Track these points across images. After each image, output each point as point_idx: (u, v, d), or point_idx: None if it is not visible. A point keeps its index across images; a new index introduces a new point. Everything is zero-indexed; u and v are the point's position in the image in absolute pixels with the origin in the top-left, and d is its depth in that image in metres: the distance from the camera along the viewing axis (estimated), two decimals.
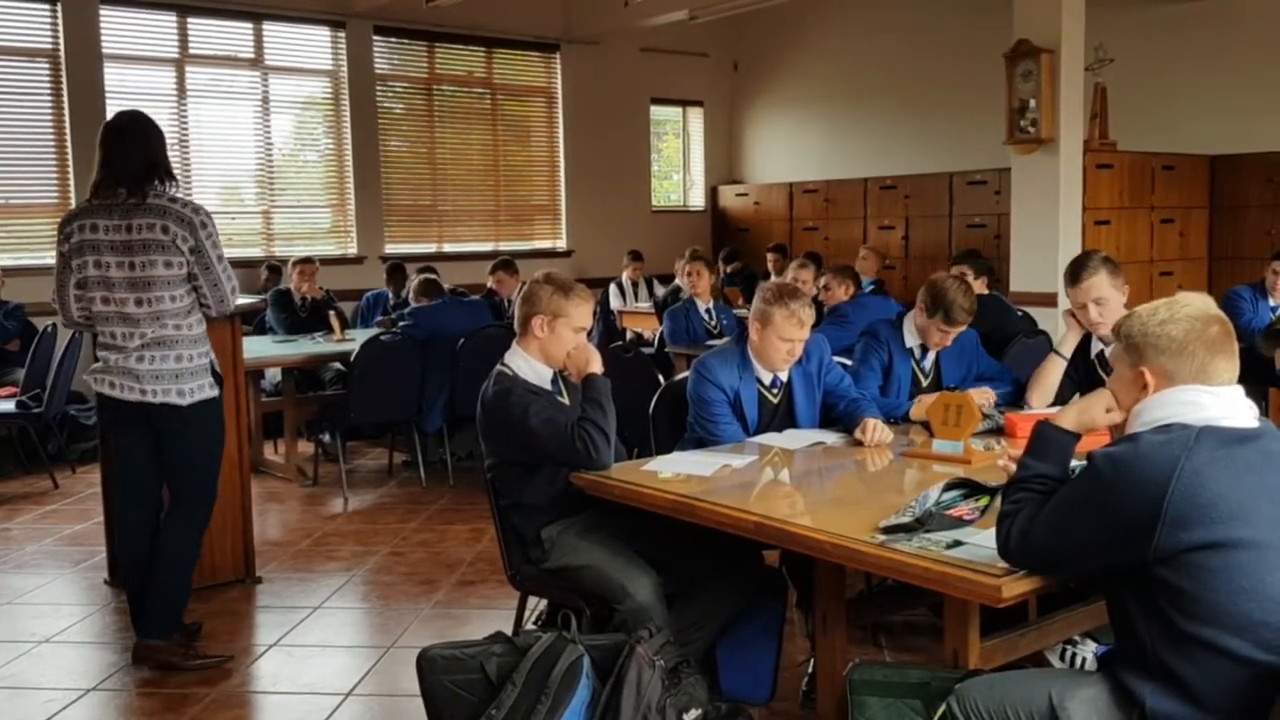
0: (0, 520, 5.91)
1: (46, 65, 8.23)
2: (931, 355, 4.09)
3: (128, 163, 3.67)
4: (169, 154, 3.81)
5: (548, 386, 3.30)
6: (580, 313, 3.28)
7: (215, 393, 3.85)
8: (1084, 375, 3.79)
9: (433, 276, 7.08)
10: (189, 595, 4.00)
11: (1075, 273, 3.71)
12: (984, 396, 3.75)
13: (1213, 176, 8.50)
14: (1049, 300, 7.08)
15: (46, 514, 5.94)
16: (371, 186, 9.97)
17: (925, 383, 4.07)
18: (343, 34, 9.71)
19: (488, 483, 3.37)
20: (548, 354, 3.28)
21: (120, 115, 3.83)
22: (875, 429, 3.49)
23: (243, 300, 5.20)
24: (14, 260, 7.89)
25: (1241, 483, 2.01)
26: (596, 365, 3.23)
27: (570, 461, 3.12)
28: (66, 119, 8.11)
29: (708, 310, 7.05)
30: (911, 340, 4.07)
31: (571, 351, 3.26)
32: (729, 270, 10.01)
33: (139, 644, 3.83)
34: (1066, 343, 3.78)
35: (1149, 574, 2.03)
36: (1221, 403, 2.12)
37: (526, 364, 3.29)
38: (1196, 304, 2.22)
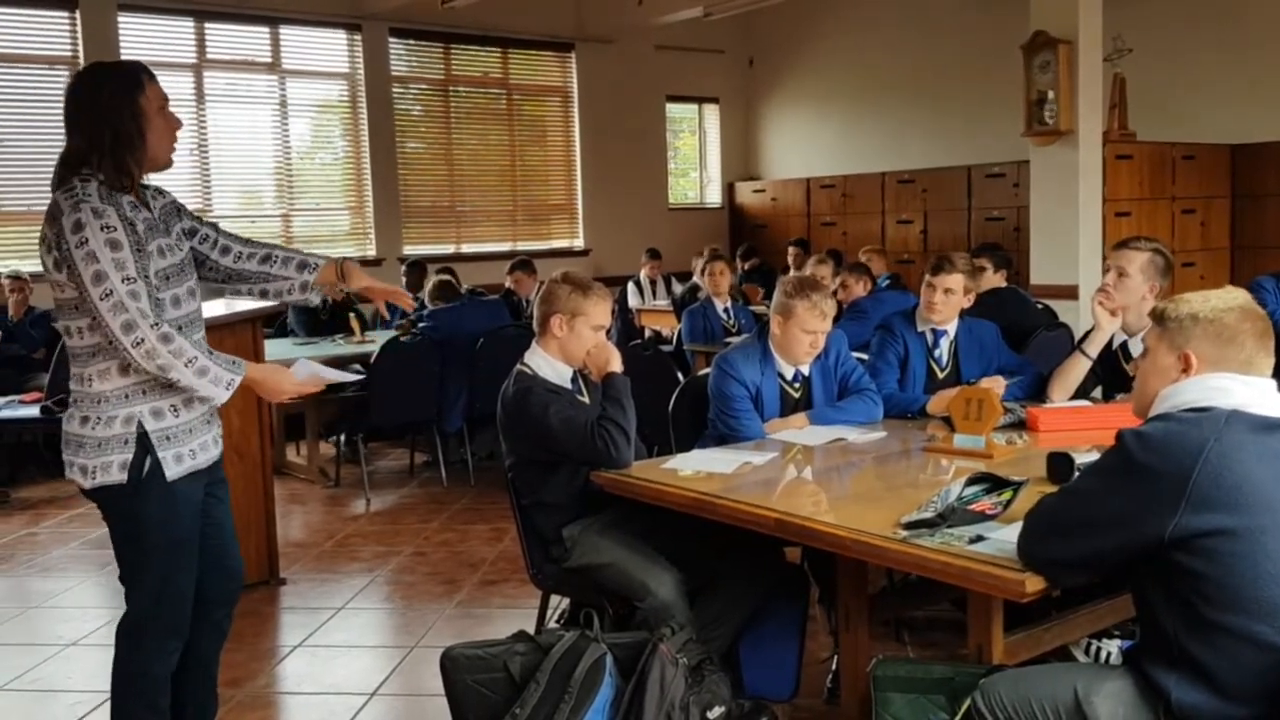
0: (26, 525, 5.97)
1: (66, 72, 8.29)
2: (945, 344, 4.07)
3: (68, 136, 2.64)
4: (134, 124, 2.60)
5: (568, 385, 3.30)
6: (598, 311, 3.28)
7: (121, 478, 2.62)
8: (1107, 367, 3.77)
9: (447, 278, 7.08)
10: None
11: (1127, 240, 3.75)
12: (995, 385, 3.73)
13: (1234, 165, 8.43)
14: (1069, 293, 7.04)
15: (72, 518, 5.99)
16: (389, 188, 10.00)
17: (942, 375, 4.05)
18: (359, 37, 9.74)
19: (508, 482, 3.38)
20: (567, 353, 3.29)
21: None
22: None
23: (263, 302, 5.22)
24: (39, 267, 7.94)
25: (1269, 469, 2.00)
26: (616, 364, 3.24)
27: (590, 460, 3.12)
28: None
29: (725, 309, 7.05)
30: (923, 324, 4.07)
31: (591, 350, 3.26)
32: (746, 267, 10.00)
33: None
34: (1094, 342, 3.73)
35: (1168, 560, 2.01)
36: (1252, 391, 2.10)
37: (546, 363, 3.29)
38: (1244, 296, 2.22)
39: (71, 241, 2.49)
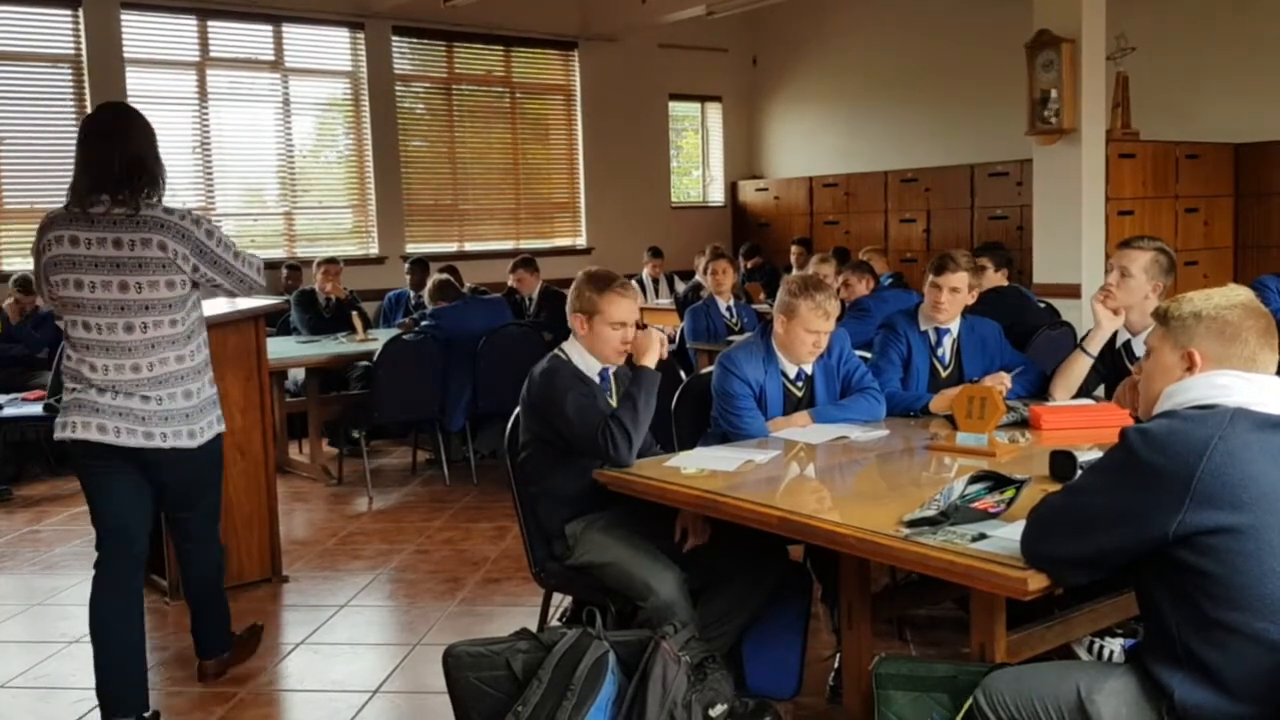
0: (29, 522, 5.98)
1: (69, 70, 8.30)
2: (948, 343, 4.07)
3: (109, 164, 3.19)
4: (160, 155, 3.32)
5: (596, 379, 3.33)
6: (615, 308, 3.30)
7: (223, 427, 3.47)
8: (1110, 366, 3.77)
9: (447, 277, 7.06)
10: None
11: (1130, 240, 3.75)
12: (999, 382, 3.73)
13: (1237, 164, 8.43)
14: (1072, 291, 7.03)
15: (75, 515, 6.00)
16: (392, 186, 10.01)
17: (945, 374, 4.05)
18: (362, 35, 9.75)
19: (515, 469, 3.40)
20: (592, 350, 3.33)
21: (100, 108, 3.40)
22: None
23: (265, 301, 5.22)
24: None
25: (1273, 466, 1.99)
26: (651, 358, 3.28)
27: (593, 452, 3.14)
28: None
29: (728, 308, 7.05)
30: (926, 323, 4.07)
31: (637, 334, 3.31)
32: (749, 265, 9.99)
33: (209, 664, 3.77)
34: (1094, 340, 3.74)
35: (1172, 557, 2.01)
36: (1254, 388, 2.10)
37: (578, 354, 3.34)
38: (1246, 293, 2.22)
39: (210, 242, 3.28)
